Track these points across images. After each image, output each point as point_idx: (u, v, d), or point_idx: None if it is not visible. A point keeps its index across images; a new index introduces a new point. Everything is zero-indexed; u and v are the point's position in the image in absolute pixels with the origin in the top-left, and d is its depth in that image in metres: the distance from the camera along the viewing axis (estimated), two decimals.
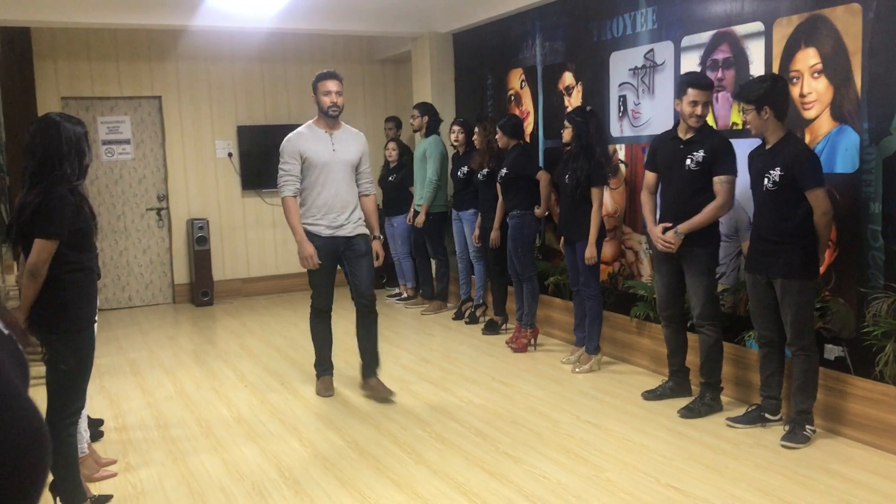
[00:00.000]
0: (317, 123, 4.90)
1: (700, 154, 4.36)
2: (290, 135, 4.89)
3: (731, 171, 4.33)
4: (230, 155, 8.68)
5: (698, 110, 4.32)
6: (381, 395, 4.91)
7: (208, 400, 5.12)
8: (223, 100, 8.64)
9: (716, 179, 4.33)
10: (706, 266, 4.44)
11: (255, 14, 6.95)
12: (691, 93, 4.32)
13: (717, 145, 4.35)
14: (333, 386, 5.14)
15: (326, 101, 4.79)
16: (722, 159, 4.32)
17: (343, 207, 4.85)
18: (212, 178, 8.65)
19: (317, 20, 7.32)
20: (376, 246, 4.97)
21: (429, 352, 6.10)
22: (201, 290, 8.35)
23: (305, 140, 4.82)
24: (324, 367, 5.17)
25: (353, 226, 4.89)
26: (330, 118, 4.85)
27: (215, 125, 8.63)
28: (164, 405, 5.04)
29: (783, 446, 3.95)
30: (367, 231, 4.96)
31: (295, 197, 4.83)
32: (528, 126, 6.65)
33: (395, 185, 7.92)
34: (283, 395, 5.14)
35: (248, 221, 8.86)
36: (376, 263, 4.99)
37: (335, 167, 4.81)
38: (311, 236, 4.80)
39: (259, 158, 8.71)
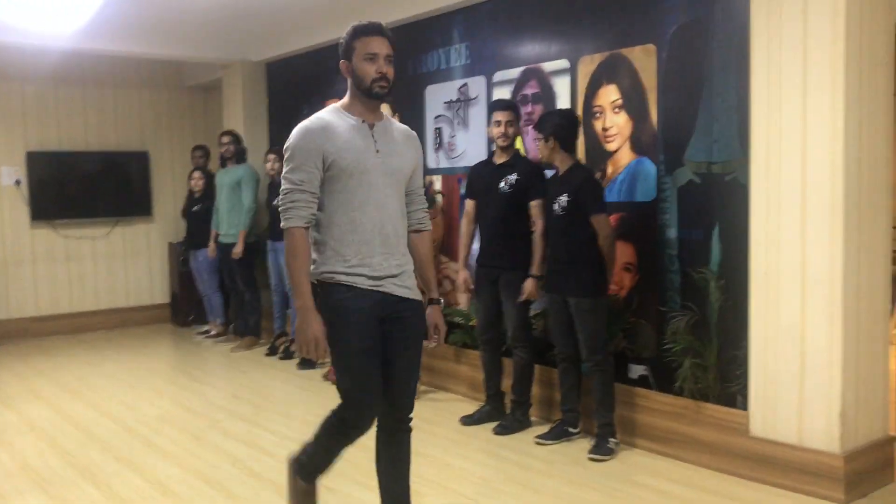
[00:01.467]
0: (348, 108, 2.93)
1: (513, 177, 4.56)
2: (304, 123, 2.90)
3: (544, 194, 4.55)
4: (18, 182, 7.97)
5: (503, 129, 4.58)
6: None
7: None
8: (11, 123, 7.93)
9: (532, 204, 4.55)
10: (519, 290, 4.57)
11: (49, 31, 6.45)
12: (494, 115, 4.62)
13: (529, 170, 4.60)
14: None
15: (371, 70, 2.83)
16: (534, 184, 4.55)
17: (392, 245, 2.91)
18: None
19: (120, 42, 6.92)
20: (435, 315, 3.06)
21: (240, 388, 5.82)
22: None
23: (332, 132, 2.84)
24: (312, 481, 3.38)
25: (408, 279, 2.96)
26: (373, 100, 2.90)
27: (2, 150, 7.90)
28: None
29: (590, 459, 4.12)
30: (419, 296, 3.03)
31: (307, 228, 2.83)
32: None
33: (200, 216, 7.54)
34: (78, 439, 4.69)
35: (38, 255, 8.13)
36: (432, 343, 3.08)
37: (380, 178, 2.89)
38: (343, 290, 2.84)
39: (52, 187, 8.09)
